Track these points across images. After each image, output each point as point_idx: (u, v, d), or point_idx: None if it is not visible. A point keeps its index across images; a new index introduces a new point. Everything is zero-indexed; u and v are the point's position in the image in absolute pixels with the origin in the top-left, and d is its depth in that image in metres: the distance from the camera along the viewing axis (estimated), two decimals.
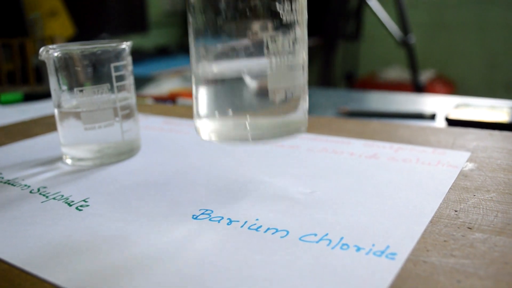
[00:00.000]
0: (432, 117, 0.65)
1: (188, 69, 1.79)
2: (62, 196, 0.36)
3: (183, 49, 2.32)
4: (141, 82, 1.04)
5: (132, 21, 2.21)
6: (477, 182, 0.35)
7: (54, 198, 0.35)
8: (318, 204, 0.32)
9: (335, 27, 2.06)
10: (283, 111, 0.33)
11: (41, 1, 1.75)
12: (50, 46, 0.41)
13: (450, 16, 2.54)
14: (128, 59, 0.44)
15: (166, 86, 0.95)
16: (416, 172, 0.38)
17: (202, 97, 0.35)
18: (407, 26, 1.95)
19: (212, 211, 0.32)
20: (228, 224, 0.30)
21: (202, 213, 0.32)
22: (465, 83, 2.55)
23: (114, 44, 0.41)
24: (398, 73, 2.49)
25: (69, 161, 0.44)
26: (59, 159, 0.45)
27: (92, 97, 0.42)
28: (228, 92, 0.34)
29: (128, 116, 0.44)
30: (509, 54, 2.44)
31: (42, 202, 0.35)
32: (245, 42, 0.32)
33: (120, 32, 2.15)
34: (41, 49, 0.41)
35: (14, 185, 0.39)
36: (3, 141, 0.52)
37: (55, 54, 0.41)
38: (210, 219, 0.31)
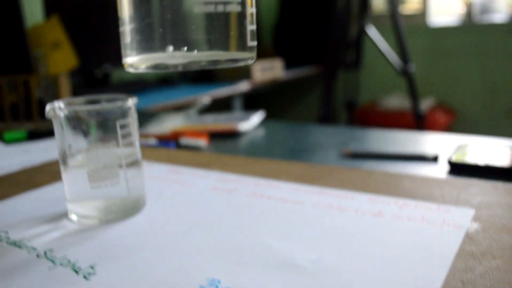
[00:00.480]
0: (435, 159, 0.66)
1: (190, 102, 1.81)
2: (69, 261, 0.36)
3: (185, 79, 2.34)
4: (144, 118, 1.04)
5: None
6: (483, 247, 0.35)
7: (61, 264, 0.35)
8: (325, 272, 0.32)
9: (336, 56, 2.08)
10: (216, 34, 0.30)
11: (45, 33, 1.77)
12: (57, 105, 0.42)
13: (449, 43, 2.57)
14: (134, 116, 0.44)
15: (169, 123, 0.96)
16: (422, 234, 0.38)
17: (126, 26, 0.32)
18: (406, 55, 1.97)
19: (219, 281, 0.32)
20: None
21: (210, 284, 0.32)
22: (466, 110, 2.56)
23: (120, 103, 0.42)
24: (398, 101, 2.51)
25: (74, 217, 0.44)
26: (65, 215, 0.45)
27: (98, 155, 0.42)
28: (151, 15, 0.30)
29: (133, 172, 0.44)
30: (509, 80, 2.46)
31: (49, 269, 0.35)
32: None
33: (122, 63, 2.16)
34: (47, 108, 0.42)
35: (21, 247, 0.39)
36: (8, 192, 0.53)
37: (62, 114, 0.41)
38: None
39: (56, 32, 1.78)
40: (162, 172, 0.57)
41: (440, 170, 0.60)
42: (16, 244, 0.39)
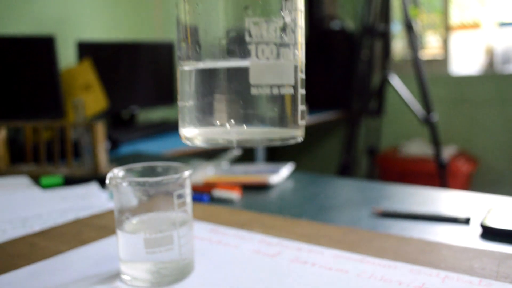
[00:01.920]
0: (467, 221, 0.67)
1: (219, 156, 1.84)
2: None
3: None
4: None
5: (161, 93, 2.29)
6: None
7: None
8: None
9: (359, 104, 2.12)
10: (270, 114, 0.32)
11: (77, 76, 1.84)
12: (116, 173, 0.45)
13: (471, 92, 2.59)
14: (189, 185, 0.46)
15: (200, 173, 0.98)
16: None
17: (185, 102, 0.34)
18: (429, 104, 2.00)
19: None
20: None
21: None
22: (488, 159, 2.56)
23: (178, 176, 0.44)
24: (419, 147, 2.51)
25: (127, 278, 0.46)
26: (116, 274, 0.48)
27: (155, 221, 0.44)
28: (210, 94, 0.32)
29: (186, 237, 0.46)
30: None
31: None
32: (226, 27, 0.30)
33: (149, 104, 2.22)
34: (108, 177, 0.44)
35: None
36: (59, 248, 0.55)
37: (124, 184, 0.44)
38: None
39: (88, 75, 1.84)
40: (204, 232, 0.59)
41: (472, 233, 0.61)
42: None
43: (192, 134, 0.34)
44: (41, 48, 1.70)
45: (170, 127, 2.11)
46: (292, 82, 0.32)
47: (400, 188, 0.89)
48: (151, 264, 0.45)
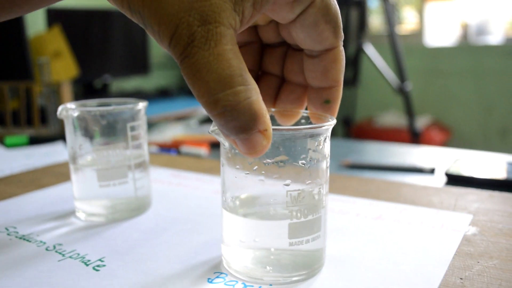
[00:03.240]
0: (432, 171, 0.67)
1: (189, 113, 1.82)
2: (78, 254, 0.37)
3: (183, 91, 2.36)
4: None
5: (134, 63, 2.25)
6: (480, 248, 0.36)
7: (70, 257, 0.36)
8: (326, 268, 0.34)
9: None
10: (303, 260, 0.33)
11: (46, 42, 1.79)
12: (69, 106, 0.43)
13: (445, 63, 2.61)
14: (144, 119, 0.45)
15: (169, 132, 0.97)
16: (420, 236, 0.39)
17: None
18: (403, 73, 2.00)
19: (226, 275, 0.33)
20: None
21: (217, 277, 0.33)
22: (461, 128, 2.59)
23: (130, 105, 0.43)
24: (394, 118, 2.53)
25: (82, 215, 0.45)
26: (72, 213, 0.46)
27: (108, 155, 0.43)
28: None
29: (141, 173, 0.45)
30: (504, 100, 2.49)
31: (59, 260, 0.36)
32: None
33: (122, 74, 2.19)
34: (60, 108, 0.43)
35: (30, 241, 0.40)
36: (15, 191, 0.54)
37: (74, 114, 0.42)
38: (225, 283, 0.32)
39: (57, 41, 1.80)
40: (165, 176, 0.58)
41: (437, 182, 0.61)
42: (24, 238, 0.40)
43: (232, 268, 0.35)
44: None
45: (144, 97, 2.08)
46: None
47: (368, 144, 0.90)
48: (106, 199, 0.44)
